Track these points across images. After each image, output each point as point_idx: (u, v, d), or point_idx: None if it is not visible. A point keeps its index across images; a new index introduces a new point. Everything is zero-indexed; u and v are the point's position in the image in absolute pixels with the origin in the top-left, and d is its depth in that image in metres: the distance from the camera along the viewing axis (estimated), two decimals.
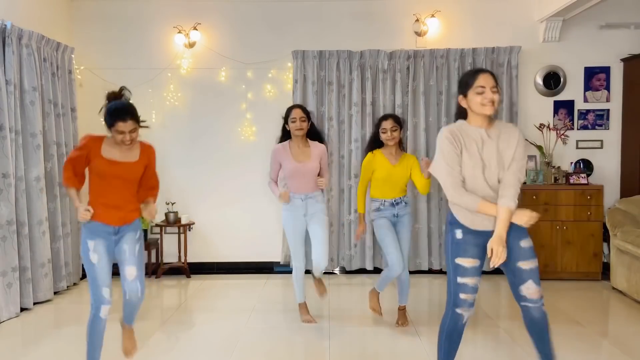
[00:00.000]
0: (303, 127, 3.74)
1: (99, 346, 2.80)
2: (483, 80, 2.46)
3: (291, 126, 3.76)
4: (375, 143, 3.80)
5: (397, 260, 3.64)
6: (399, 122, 3.73)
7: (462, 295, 2.55)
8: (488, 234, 2.49)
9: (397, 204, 3.73)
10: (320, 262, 3.78)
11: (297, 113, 3.74)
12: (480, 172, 2.49)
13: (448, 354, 2.66)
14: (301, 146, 3.80)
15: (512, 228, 2.50)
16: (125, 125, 2.61)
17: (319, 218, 3.80)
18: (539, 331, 2.59)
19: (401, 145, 3.83)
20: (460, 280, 2.54)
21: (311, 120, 3.87)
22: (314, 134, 3.90)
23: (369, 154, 3.79)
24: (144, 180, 2.86)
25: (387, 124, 3.67)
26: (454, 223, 2.58)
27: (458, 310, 2.58)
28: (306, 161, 3.75)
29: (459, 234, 2.56)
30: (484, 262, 2.60)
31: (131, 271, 2.80)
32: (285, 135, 3.90)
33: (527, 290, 2.55)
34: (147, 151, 2.84)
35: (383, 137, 3.69)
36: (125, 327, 3.04)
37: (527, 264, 2.55)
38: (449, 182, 2.49)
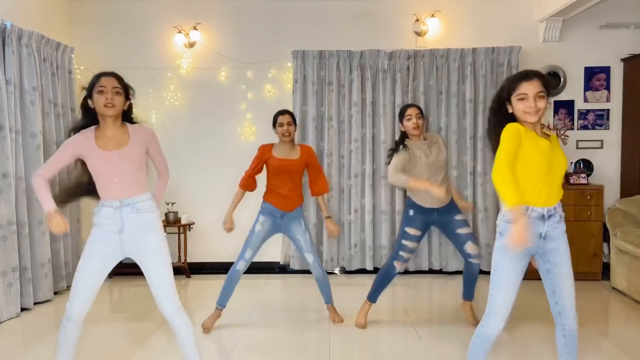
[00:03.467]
0: (114, 103, 2.50)
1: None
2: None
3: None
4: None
5: (501, 312, 2.38)
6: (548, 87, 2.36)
7: (401, 253, 3.58)
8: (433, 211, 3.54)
9: (550, 216, 2.30)
10: (168, 313, 2.71)
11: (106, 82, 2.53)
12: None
13: (378, 289, 3.75)
14: (113, 131, 2.56)
15: (451, 207, 3.57)
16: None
17: (152, 244, 2.61)
18: (472, 279, 3.67)
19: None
20: (404, 242, 3.58)
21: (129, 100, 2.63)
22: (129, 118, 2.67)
23: (510, 124, 2.29)
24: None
25: (530, 87, 2.29)
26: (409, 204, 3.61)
27: (395, 263, 3.62)
28: (120, 148, 2.50)
29: (411, 212, 3.59)
30: (424, 234, 3.64)
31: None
32: (91, 119, 2.61)
33: (470, 248, 3.54)
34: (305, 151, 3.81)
35: (521, 107, 2.29)
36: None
37: (463, 230, 3.57)
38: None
